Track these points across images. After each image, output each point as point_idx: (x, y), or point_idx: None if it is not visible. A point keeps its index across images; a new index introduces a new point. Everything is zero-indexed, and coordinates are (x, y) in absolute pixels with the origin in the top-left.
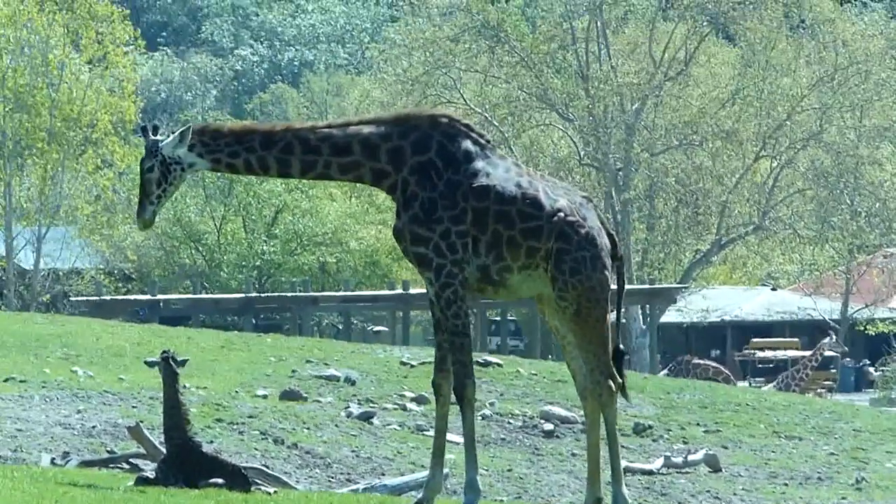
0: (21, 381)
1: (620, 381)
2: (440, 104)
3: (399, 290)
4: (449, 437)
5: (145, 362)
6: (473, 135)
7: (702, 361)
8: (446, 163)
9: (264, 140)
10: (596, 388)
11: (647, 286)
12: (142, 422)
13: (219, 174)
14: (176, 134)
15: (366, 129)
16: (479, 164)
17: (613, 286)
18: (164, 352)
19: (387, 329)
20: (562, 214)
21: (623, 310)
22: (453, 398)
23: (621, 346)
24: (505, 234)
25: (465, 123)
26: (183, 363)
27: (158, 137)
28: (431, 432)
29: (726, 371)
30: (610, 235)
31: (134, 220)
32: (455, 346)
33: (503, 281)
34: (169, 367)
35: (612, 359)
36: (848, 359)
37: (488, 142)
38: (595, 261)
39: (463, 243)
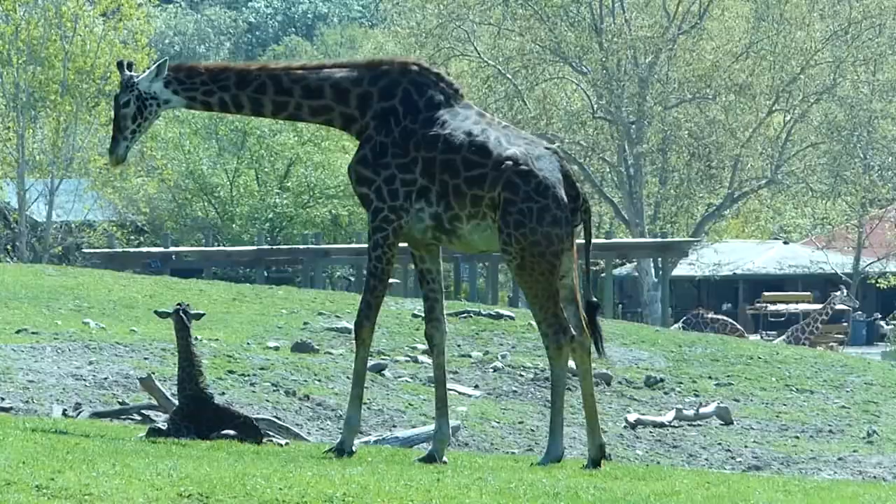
0: (33, 333)
1: (573, 334)
2: (454, 57)
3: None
4: (460, 388)
5: (156, 312)
6: (442, 84)
7: (717, 316)
8: (407, 111)
9: (238, 79)
10: (544, 341)
11: (659, 240)
12: (153, 373)
13: (231, 127)
14: (152, 69)
15: (338, 74)
16: (438, 113)
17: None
18: (179, 304)
19: (398, 281)
20: (510, 163)
21: (599, 266)
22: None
23: (594, 299)
24: (451, 183)
25: (435, 72)
26: (198, 317)
27: (134, 73)
28: None
29: (741, 328)
30: (573, 187)
31: (109, 158)
32: (369, 285)
33: (455, 230)
34: (181, 321)
35: (584, 312)
36: (859, 312)
37: (457, 91)
38: (543, 213)
39: (406, 192)
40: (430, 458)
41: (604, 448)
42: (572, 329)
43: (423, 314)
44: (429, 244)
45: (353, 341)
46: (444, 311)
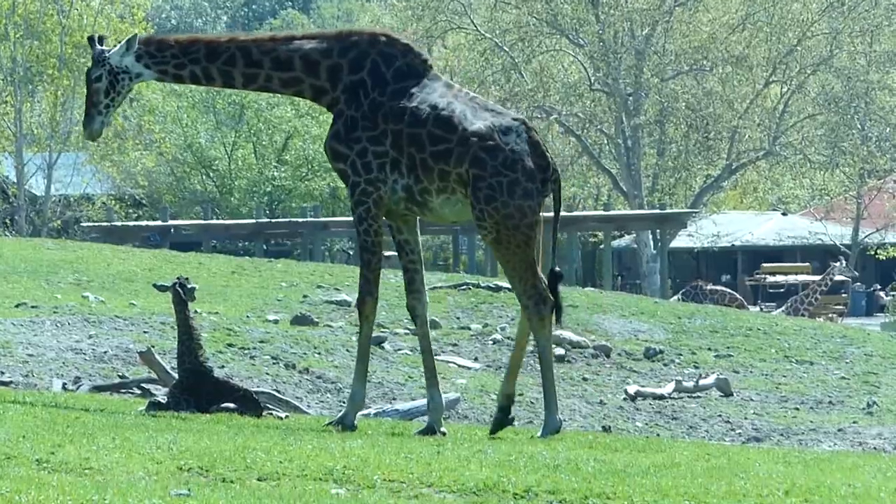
0: (32, 307)
1: (553, 302)
2: (450, 30)
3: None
4: (460, 361)
5: (154, 286)
6: (410, 55)
7: (717, 288)
8: (375, 83)
9: (208, 52)
10: (525, 313)
11: (657, 211)
12: (153, 347)
13: (229, 101)
14: (122, 43)
15: (308, 45)
16: (405, 85)
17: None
18: (177, 278)
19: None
20: (475, 139)
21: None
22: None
23: (557, 269)
24: (418, 157)
25: (404, 43)
26: (192, 291)
27: (105, 48)
28: (443, 357)
29: (740, 298)
30: (543, 158)
31: (83, 132)
32: (363, 260)
33: (426, 203)
34: (177, 294)
35: (548, 281)
36: (858, 283)
37: (426, 61)
38: (513, 186)
39: (379, 164)
40: (428, 430)
41: (511, 398)
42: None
43: (443, 287)
44: (404, 215)
45: (357, 316)
46: (425, 282)
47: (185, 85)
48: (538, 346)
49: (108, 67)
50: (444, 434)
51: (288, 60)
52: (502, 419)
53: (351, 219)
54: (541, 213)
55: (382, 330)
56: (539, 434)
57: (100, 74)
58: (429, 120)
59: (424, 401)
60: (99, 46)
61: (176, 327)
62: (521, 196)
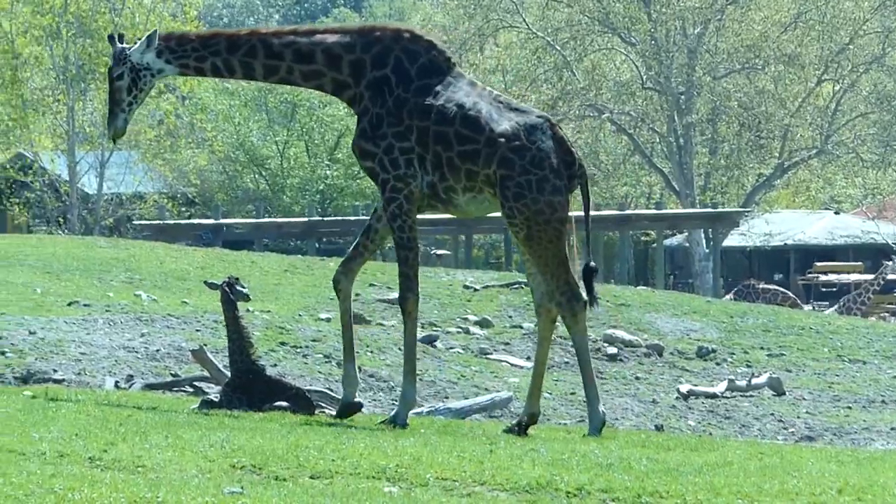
0: (85, 305)
1: (586, 298)
2: (502, 28)
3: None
4: (512, 360)
5: (206, 283)
6: (434, 52)
7: (770, 286)
8: (399, 79)
9: (229, 44)
10: (559, 310)
11: (709, 210)
12: (205, 345)
13: (281, 99)
14: (143, 40)
15: (330, 39)
16: (430, 82)
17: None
18: (228, 277)
19: (449, 253)
20: (502, 140)
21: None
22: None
23: (592, 264)
24: (444, 156)
25: (427, 40)
26: (243, 291)
27: (125, 45)
28: (495, 356)
29: (793, 296)
30: (569, 154)
31: (108, 131)
32: (401, 258)
33: (451, 200)
34: (225, 294)
35: (582, 275)
36: None
37: (449, 59)
38: (542, 183)
39: (406, 159)
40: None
41: (535, 417)
42: (544, 297)
43: (471, 286)
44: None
45: (401, 315)
46: (362, 269)
47: (205, 78)
48: (574, 342)
49: (129, 65)
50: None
51: (310, 53)
52: (518, 433)
53: None
54: (569, 211)
55: (434, 329)
56: (588, 431)
57: (121, 72)
58: (456, 119)
59: (478, 399)
60: (119, 45)
61: (225, 326)
62: (551, 192)
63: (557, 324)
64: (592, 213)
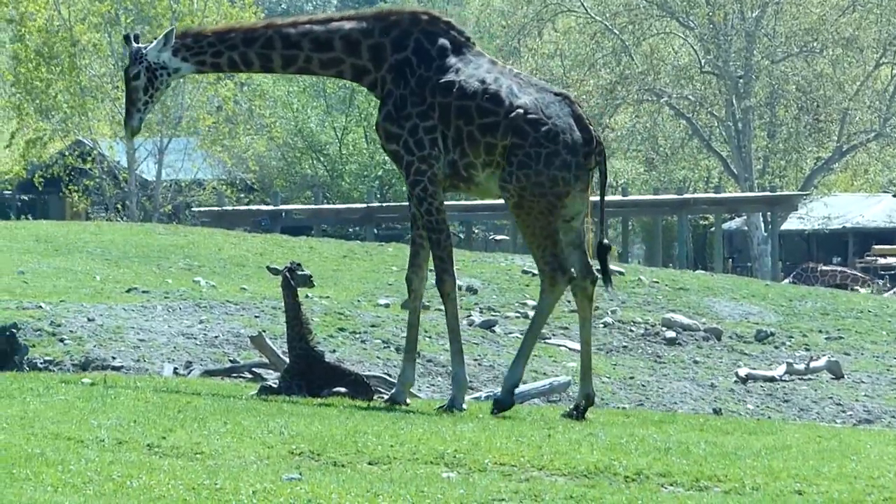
0: (144, 292)
1: (573, 275)
2: (560, 13)
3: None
4: (570, 344)
5: (268, 268)
6: (453, 32)
7: (828, 268)
8: (420, 60)
9: (245, 37)
10: (540, 277)
11: (768, 193)
12: (264, 331)
13: (339, 85)
14: (159, 38)
15: (347, 26)
16: (451, 60)
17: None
18: (290, 263)
19: (508, 238)
20: (521, 111)
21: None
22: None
23: (605, 241)
24: (465, 130)
25: (445, 21)
26: (306, 277)
27: (141, 45)
28: (553, 340)
29: (853, 272)
30: (586, 132)
31: (124, 130)
32: (432, 241)
33: (471, 177)
34: (285, 279)
35: (596, 253)
36: None
37: (468, 39)
38: (551, 157)
39: (431, 139)
40: (392, 400)
41: (591, 398)
42: (573, 272)
43: (530, 271)
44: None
45: (440, 298)
46: (429, 259)
47: (223, 73)
48: (539, 304)
49: (145, 64)
50: (408, 404)
51: (327, 41)
52: (577, 417)
53: (461, 203)
54: (589, 186)
55: (493, 313)
56: (499, 393)
57: (138, 72)
58: (478, 94)
59: (536, 384)
60: (135, 44)
61: (284, 312)
62: (558, 167)
63: (595, 303)
64: (651, 197)
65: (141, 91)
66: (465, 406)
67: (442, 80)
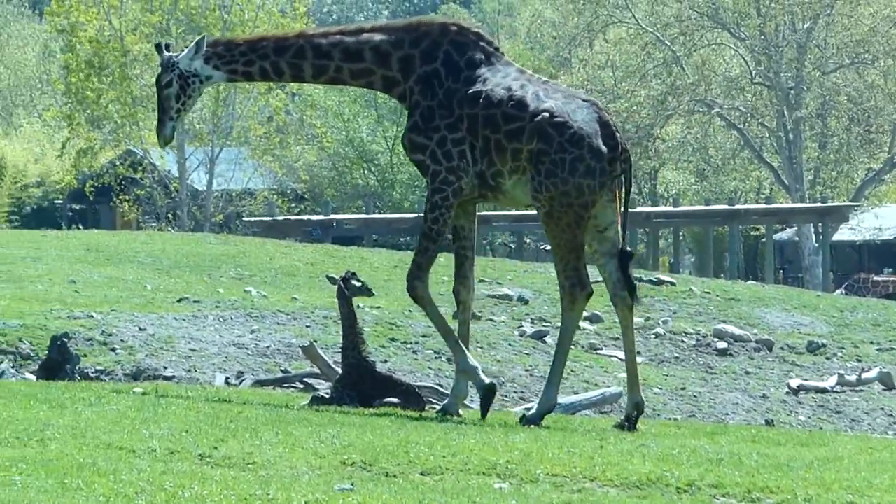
0: (195, 302)
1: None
2: (612, 24)
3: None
4: (622, 355)
5: (327, 277)
6: (482, 43)
7: (880, 278)
8: (448, 71)
9: (277, 47)
10: (560, 293)
11: (819, 204)
12: (315, 341)
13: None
14: (191, 46)
15: (377, 37)
16: (479, 71)
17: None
18: (346, 272)
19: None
20: (546, 115)
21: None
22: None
23: (628, 248)
24: (493, 139)
25: (475, 32)
26: (364, 287)
27: (172, 53)
28: (605, 351)
29: None
30: (612, 138)
31: (157, 139)
32: (421, 247)
33: (499, 186)
34: (340, 289)
35: (619, 261)
36: None
37: (496, 49)
38: (575, 163)
39: (459, 151)
40: (443, 411)
41: (641, 406)
42: (617, 286)
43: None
44: (467, 202)
45: (418, 304)
46: (474, 269)
47: (253, 82)
48: (562, 326)
49: (177, 72)
50: (460, 416)
51: (358, 52)
52: (629, 428)
53: (512, 213)
54: (618, 195)
55: (544, 324)
56: (532, 411)
57: (170, 80)
58: (503, 101)
59: (588, 394)
60: (166, 53)
61: (340, 322)
62: (583, 174)
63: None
64: (702, 207)
65: (173, 99)
66: (484, 386)
67: (470, 92)
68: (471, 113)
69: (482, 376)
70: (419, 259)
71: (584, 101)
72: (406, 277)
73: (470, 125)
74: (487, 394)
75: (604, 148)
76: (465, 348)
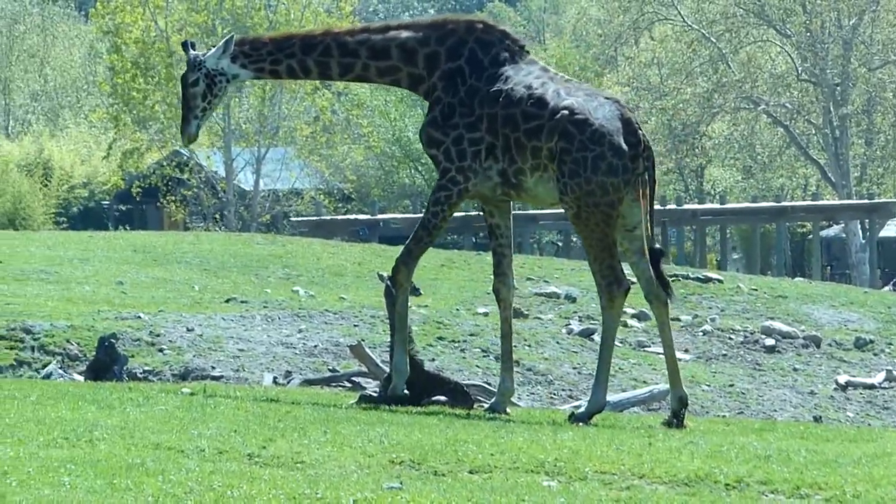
0: (242, 302)
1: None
2: (657, 21)
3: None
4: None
5: (378, 275)
6: (507, 41)
7: None
8: (472, 69)
9: (304, 45)
10: (598, 291)
11: (865, 201)
12: (363, 340)
13: None
14: (219, 45)
15: (404, 34)
16: (502, 70)
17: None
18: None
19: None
20: (566, 112)
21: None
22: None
23: (657, 246)
24: (512, 137)
25: (500, 29)
26: (411, 289)
27: (199, 52)
28: (653, 349)
29: None
30: (634, 135)
31: (181, 138)
32: (416, 235)
33: (521, 184)
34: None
35: (649, 258)
36: None
37: (522, 47)
38: (597, 161)
39: (474, 151)
40: (491, 409)
41: (684, 400)
42: (650, 284)
43: (629, 278)
44: (500, 200)
45: (395, 293)
46: (512, 266)
47: (280, 81)
48: (603, 325)
49: (204, 71)
50: (507, 414)
51: (384, 50)
52: (676, 425)
53: (558, 211)
54: (644, 193)
55: (592, 322)
56: (581, 409)
57: (196, 78)
58: (523, 100)
59: (635, 392)
60: (192, 51)
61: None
62: (605, 172)
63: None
64: (749, 205)
65: (199, 98)
66: (400, 391)
67: (491, 90)
68: (491, 112)
69: (402, 385)
70: (412, 246)
71: (605, 98)
72: (395, 259)
73: (490, 125)
74: (398, 402)
75: (625, 145)
76: (405, 350)
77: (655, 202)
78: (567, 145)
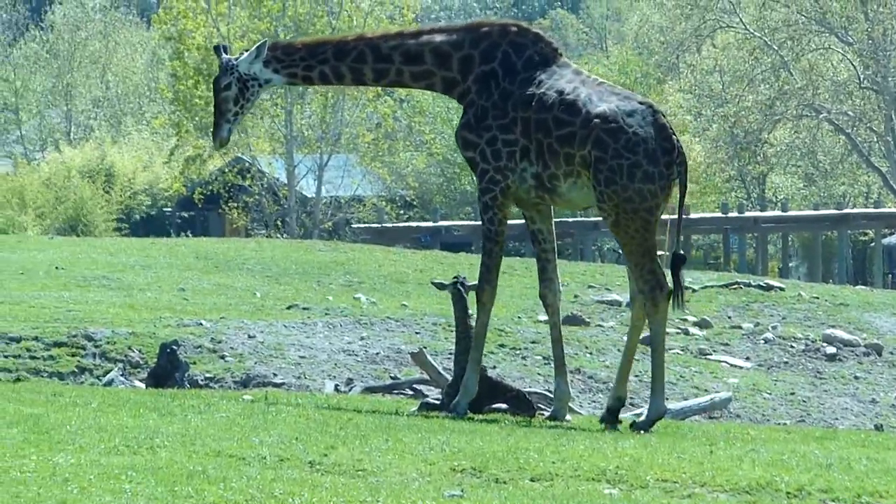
0: (304, 309)
1: (670, 289)
2: (719, 28)
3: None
4: (731, 360)
5: (432, 283)
6: (541, 44)
7: None
8: (506, 72)
9: (337, 51)
10: (640, 298)
11: None
12: (425, 348)
13: None
14: (252, 50)
15: (437, 38)
16: (535, 73)
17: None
18: (456, 277)
19: (667, 253)
20: (598, 121)
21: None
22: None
23: (681, 252)
24: (545, 143)
25: (534, 33)
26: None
27: (232, 56)
28: (714, 356)
29: None
30: (668, 141)
31: (213, 142)
32: (484, 249)
33: (555, 189)
34: (458, 293)
35: (671, 264)
36: None
37: (556, 50)
38: (633, 169)
39: (509, 152)
40: (552, 417)
41: (622, 400)
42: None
43: (690, 287)
44: (536, 204)
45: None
46: (557, 271)
47: (314, 87)
48: (651, 331)
49: (236, 75)
50: (568, 421)
51: (418, 54)
52: (611, 420)
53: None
54: (667, 198)
55: None
56: (642, 418)
57: (229, 83)
58: (555, 105)
59: (697, 400)
60: (225, 56)
61: (454, 326)
62: (641, 179)
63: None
64: (811, 212)
65: (231, 102)
66: (463, 412)
67: (524, 94)
68: (524, 116)
69: (465, 406)
70: (486, 261)
71: (639, 103)
72: (478, 280)
73: (524, 128)
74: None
75: (659, 152)
76: (478, 369)
77: (686, 208)
78: (601, 154)
